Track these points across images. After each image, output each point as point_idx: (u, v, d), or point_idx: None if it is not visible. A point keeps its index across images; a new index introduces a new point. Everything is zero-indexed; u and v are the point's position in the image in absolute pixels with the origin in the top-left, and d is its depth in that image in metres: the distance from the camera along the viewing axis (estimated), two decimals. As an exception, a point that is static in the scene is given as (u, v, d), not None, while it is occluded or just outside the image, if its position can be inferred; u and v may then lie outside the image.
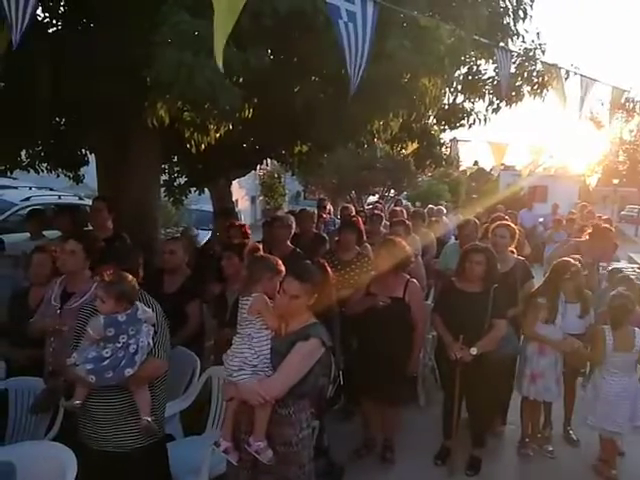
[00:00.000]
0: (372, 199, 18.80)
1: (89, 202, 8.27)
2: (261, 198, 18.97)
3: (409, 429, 4.14)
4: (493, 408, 4.01)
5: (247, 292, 2.44)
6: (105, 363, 2.27)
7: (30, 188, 9.63)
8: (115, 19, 3.60)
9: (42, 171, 6.12)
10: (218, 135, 3.29)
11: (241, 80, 2.93)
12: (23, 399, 3.00)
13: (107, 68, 3.54)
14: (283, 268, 2.52)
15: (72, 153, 5.78)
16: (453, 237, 7.02)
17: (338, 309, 3.48)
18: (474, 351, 3.41)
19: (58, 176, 6.37)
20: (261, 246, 4.06)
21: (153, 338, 2.39)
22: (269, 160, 8.47)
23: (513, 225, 4.36)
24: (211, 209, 11.45)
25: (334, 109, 3.74)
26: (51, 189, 10.36)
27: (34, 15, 1.89)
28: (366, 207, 13.86)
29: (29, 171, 6.03)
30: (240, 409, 2.42)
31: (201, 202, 10.85)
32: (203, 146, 3.47)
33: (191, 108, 2.50)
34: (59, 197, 9.60)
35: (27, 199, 8.95)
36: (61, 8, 4.35)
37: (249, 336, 2.38)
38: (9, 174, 5.84)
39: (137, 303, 2.41)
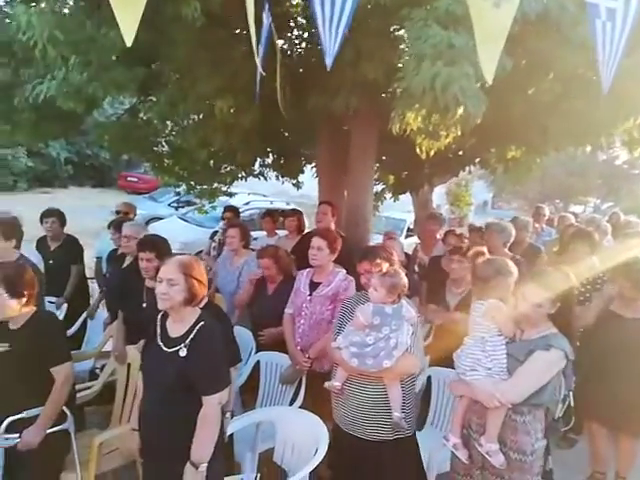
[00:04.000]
0: (577, 210, 16.76)
1: (293, 207, 9.31)
2: (446, 207, 18.52)
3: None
4: None
5: (482, 297, 2.48)
6: (367, 349, 2.38)
7: (248, 194, 11.23)
8: (353, 40, 4.00)
9: (270, 179, 7.09)
10: (447, 141, 3.39)
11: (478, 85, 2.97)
12: (272, 370, 3.51)
13: (344, 84, 3.95)
14: (514, 269, 2.49)
15: (296, 163, 6.57)
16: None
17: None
18: None
19: (283, 183, 7.28)
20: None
21: (410, 338, 2.45)
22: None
23: None
24: (399, 216, 11.85)
25: (570, 110, 3.51)
26: (264, 195, 11.96)
27: (343, 37, 2.21)
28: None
29: (259, 179, 7.05)
30: (470, 408, 2.45)
31: (391, 210, 11.24)
32: (433, 152, 3.61)
33: (440, 115, 2.63)
34: (271, 202, 11.08)
35: (247, 203, 10.54)
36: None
37: (482, 339, 2.41)
38: (245, 181, 6.90)
39: (403, 301, 2.50)
